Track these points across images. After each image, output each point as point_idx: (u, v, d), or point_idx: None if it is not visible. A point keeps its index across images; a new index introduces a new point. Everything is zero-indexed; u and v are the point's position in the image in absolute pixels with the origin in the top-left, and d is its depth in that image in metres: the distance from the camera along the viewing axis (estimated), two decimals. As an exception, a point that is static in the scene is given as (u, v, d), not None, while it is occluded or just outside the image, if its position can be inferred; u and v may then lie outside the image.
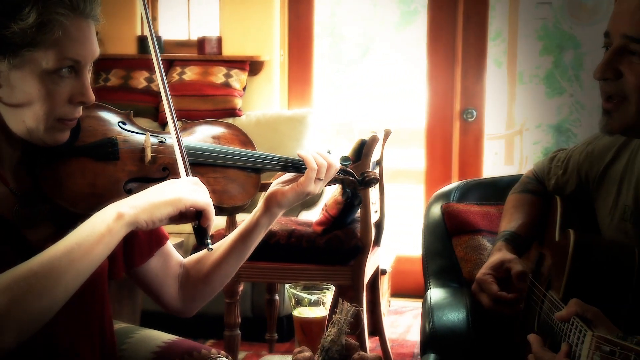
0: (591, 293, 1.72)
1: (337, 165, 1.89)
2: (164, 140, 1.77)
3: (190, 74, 5.26)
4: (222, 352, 1.97)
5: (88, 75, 1.62)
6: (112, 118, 1.77)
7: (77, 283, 1.47)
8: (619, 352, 1.36)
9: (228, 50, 5.42)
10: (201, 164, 1.78)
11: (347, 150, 3.49)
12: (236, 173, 1.83)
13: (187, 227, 3.94)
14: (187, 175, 1.67)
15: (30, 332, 1.41)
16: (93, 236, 1.48)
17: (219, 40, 5.44)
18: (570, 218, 2.06)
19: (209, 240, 1.65)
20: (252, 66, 5.35)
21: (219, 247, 1.94)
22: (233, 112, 5.17)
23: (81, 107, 1.62)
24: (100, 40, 4.64)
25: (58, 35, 1.51)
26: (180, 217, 1.60)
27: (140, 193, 1.58)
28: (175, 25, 5.65)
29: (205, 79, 5.21)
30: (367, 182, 1.98)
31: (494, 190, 2.63)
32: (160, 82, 1.76)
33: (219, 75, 5.23)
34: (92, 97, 1.61)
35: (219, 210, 1.76)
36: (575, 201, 2.12)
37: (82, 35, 1.57)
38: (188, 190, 1.60)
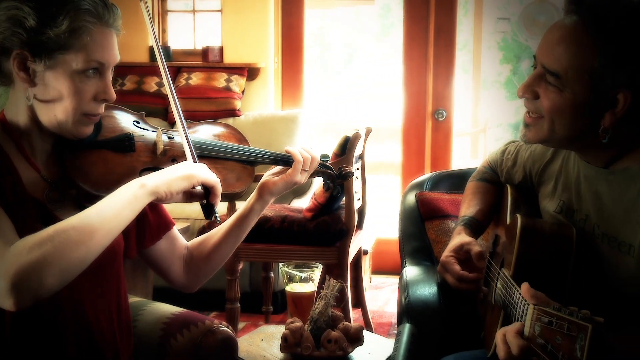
0: (536, 270, 1.74)
1: (318, 158, 1.95)
2: (172, 136, 1.82)
3: (196, 79, 5.23)
4: (224, 322, 1.98)
5: (110, 77, 1.67)
6: (128, 118, 1.82)
7: (108, 240, 1.51)
8: (555, 321, 1.37)
9: (229, 58, 5.40)
10: (205, 156, 1.82)
11: (334, 145, 3.49)
12: (234, 165, 1.88)
13: (193, 214, 3.93)
14: (195, 161, 1.74)
15: (69, 278, 1.44)
16: (121, 201, 1.54)
17: (221, 49, 5.42)
18: (519, 204, 2.06)
19: (217, 214, 1.72)
20: (250, 72, 5.33)
21: (219, 230, 1.98)
22: (233, 113, 5.15)
23: (103, 105, 1.67)
24: (117, 49, 4.49)
25: (86, 41, 1.57)
26: (191, 196, 1.68)
27: (159, 171, 1.64)
28: (182, 36, 5.63)
29: (209, 83, 5.19)
30: (344, 175, 2.05)
31: (461, 181, 2.62)
32: (167, 86, 1.83)
33: (220, 80, 5.20)
34: (114, 95, 1.66)
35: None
36: (522, 189, 2.12)
37: (106, 42, 1.62)
38: (200, 169, 1.68)
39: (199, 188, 1.68)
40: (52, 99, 1.60)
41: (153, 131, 1.81)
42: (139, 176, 1.66)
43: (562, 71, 1.65)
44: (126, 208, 1.54)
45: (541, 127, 1.74)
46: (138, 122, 1.82)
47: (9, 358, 1.62)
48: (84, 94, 1.61)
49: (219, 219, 1.76)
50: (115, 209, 1.52)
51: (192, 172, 1.65)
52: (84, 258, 1.46)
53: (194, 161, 1.73)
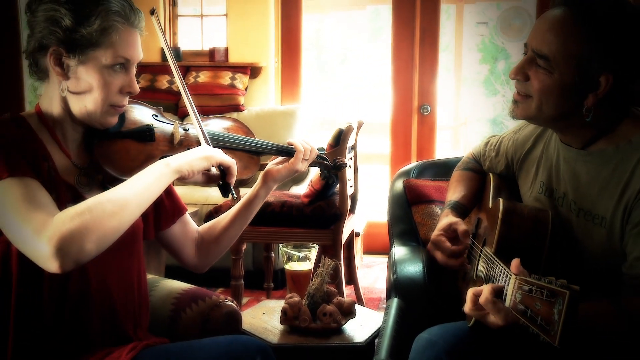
0: (516, 247, 1.75)
1: (316, 151, 1.99)
2: (187, 128, 1.85)
3: (203, 77, 5.22)
4: (229, 297, 1.99)
5: (134, 72, 1.69)
6: (148, 111, 1.85)
7: (138, 211, 1.55)
8: (535, 289, 1.39)
9: (233, 58, 5.38)
10: (216, 146, 1.83)
11: (329, 137, 3.49)
12: (242, 155, 1.91)
13: (201, 199, 3.90)
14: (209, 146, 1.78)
15: (105, 245, 1.47)
16: (149, 178, 1.58)
17: (226, 50, 5.40)
18: (500, 190, 2.08)
19: (233, 192, 1.76)
20: (253, 71, 5.32)
21: (227, 215, 2.00)
22: (237, 108, 5.14)
23: (128, 97, 1.69)
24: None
25: (115, 39, 1.60)
26: (209, 177, 1.74)
27: (181, 153, 1.68)
28: (191, 38, 5.62)
29: (215, 81, 5.18)
30: (338, 166, 2.07)
31: (445, 169, 2.63)
32: (180, 86, 1.87)
33: (226, 78, 5.19)
34: (137, 88, 1.69)
35: None
36: (504, 178, 2.14)
37: (131, 40, 1.65)
38: (217, 151, 1.73)
39: (214, 170, 1.72)
40: (83, 91, 1.62)
41: (170, 124, 1.84)
42: None
43: (552, 55, 1.68)
44: (153, 184, 1.57)
45: (529, 105, 1.77)
46: (157, 116, 1.85)
47: (44, 326, 1.63)
48: (112, 87, 1.63)
49: (235, 196, 1.79)
50: (144, 185, 1.55)
51: (211, 153, 1.70)
52: (118, 227, 1.48)
53: (208, 145, 1.77)
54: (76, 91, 1.63)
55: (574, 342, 1.36)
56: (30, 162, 1.55)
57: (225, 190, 1.75)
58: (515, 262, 1.54)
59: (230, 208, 2.02)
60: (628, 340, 1.58)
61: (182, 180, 1.66)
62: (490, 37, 6.26)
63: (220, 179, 1.74)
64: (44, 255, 1.39)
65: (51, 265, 1.40)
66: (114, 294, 1.73)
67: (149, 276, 2.10)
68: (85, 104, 1.63)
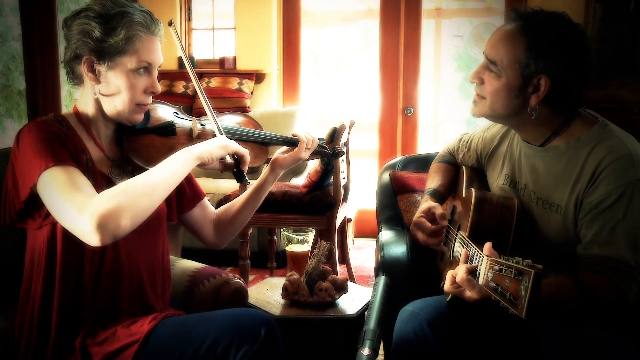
0: (487, 231, 1.78)
1: (317, 141, 1.99)
2: (204, 124, 1.86)
3: (214, 82, 5.20)
4: (237, 275, 1.99)
5: (156, 75, 1.70)
6: (169, 110, 1.87)
7: (166, 192, 1.56)
8: (504, 269, 1.41)
9: (241, 66, 5.37)
10: (230, 138, 1.82)
11: (324, 134, 3.48)
12: (252, 146, 1.90)
13: (212, 189, 3.88)
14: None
15: (138, 221, 1.48)
16: (175, 164, 1.59)
17: (234, 59, 5.38)
18: (472, 181, 2.09)
19: (247, 178, 1.77)
20: (257, 77, 5.30)
21: (239, 199, 2.00)
22: (244, 109, 5.12)
23: (151, 96, 1.70)
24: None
25: (138, 46, 1.62)
26: (225, 165, 1.73)
27: (201, 142, 1.69)
28: (204, 48, 5.60)
29: (225, 86, 5.16)
30: (337, 153, 2.08)
31: (426, 163, 2.62)
32: (197, 87, 1.89)
33: (234, 83, 5.17)
34: (159, 88, 1.71)
35: None
36: (475, 170, 2.15)
37: (153, 46, 1.66)
38: (232, 142, 1.74)
39: (229, 159, 1.73)
40: (113, 93, 1.65)
41: (189, 120, 1.85)
42: None
43: (500, 61, 1.73)
44: (178, 169, 1.58)
45: (484, 105, 1.81)
46: (177, 113, 1.86)
47: (82, 298, 1.65)
48: (137, 88, 1.65)
49: (249, 182, 1.82)
50: (170, 170, 1.57)
51: (227, 143, 1.71)
52: (149, 205, 1.50)
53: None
54: (107, 93, 1.65)
55: (538, 314, 1.37)
56: (72, 154, 1.57)
57: (239, 177, 1.76)
58: (487, 246, 1.55)
59: (237, 196, 2.02)
60: (581, 308, 1.60)
61: (202, 166, 1.67)
62: (464, 48, 6.26)
63: (234, 166, 1.74)
64: (86, 231, 1.41)
65: (92, 239, 1.42)
66: (142, 270, 1.73)
67: (168, 256, 2.10)
68: (115, 104, 1.65)
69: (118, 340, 1.59)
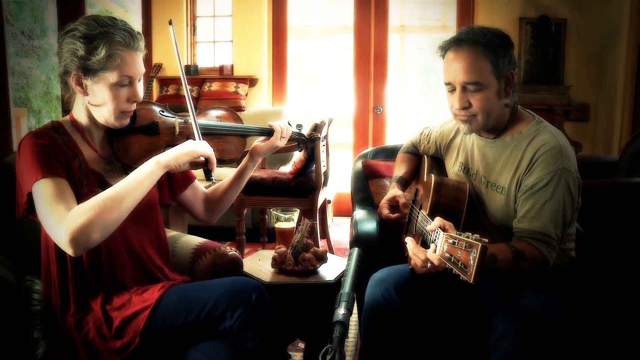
0: (444, 210, 1.78)
1: (291, 129, 1.92)
2: (186, 120, 1.77)
3: (215, 86, 5.15)
4: (234, 249, 1.96)
5: (137, 85, 1.61)
6: (155, 108, 1.77)
7: (134, 203, 1.49)
8: (457, 242, 1.42)
9: (237, 72, 5.32)
10: (210, 133, 1.77)
11: (307, 129, 3.45)
12: (231, 138, 1.83)
13: (198, 175, 3.79)
14: (200, 139, 1.69)
15: (108, 233, 1.44)
16: (142, 175, 1.52)
17: (232, 66, 5.33)
18: (432, 168, 2.08)
19: (213, 176, 1.67)
20: (251, 81, 5.26)
21: (225, 182, 1.94)
22: (239, 109, 5.08)
23: (135, 104, 1.62)
24: (163, 68, 4.50)
25: (118, 62, 1.53)
26: (195, 164, 1.63)
27: (170, 149, 1.60)
28: (206, 58, 5.54)
29: (223, 89, 5.11)
30: (312, 139, 2.01)
31: (393, 153, 2.61)
32: (185, 88, 1.88)
33: (231, 87, 5.13)
34: (140, 98, 1.63)
35: (221, 162, 1.78)
36: (434, 159, 2.15)
37: (133, 61, 1.57)
38: (199, 145, 1.64)
39: (201, 158, 1.63)
40: (99, 104, 1.58)
41: (172, 117, 1.76)
42: (163, 151, 1.64)
43: (479, 78, 1.72)
44: (146, 180, 1.51)
45: (477, 122, 1.78)
46: (163, 111, 1.77)
47: (89, 275, 1.63)
48: (120, 99, 1.58)
49: (214, 180, 1.72)
50: (138, 181, 1.50)
51: (193, 148, 1.61)
52: (118, 218, 1.45)
53: (200, 139, 1.69)
54: (94, 104, 1.59)
55: (483, 279, 1.38)
56: (62, 164, 1.52)
57: (207, 175, 1.67)
58: (438, 219, 1.58)
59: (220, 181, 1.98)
60: (513, 265, 1.64)
61: (172, 172, 1.60)
62: (424, 58, 6.29)
63: (204, 164, 1.64)
64: (62, 243, 1.40)
65: (67, 250, 1.40)
66: (138, 249, 1.69)
67: (175, 233, 2.07)
68: (102, 113, 1.59)
69: (133, 305, 1.58)
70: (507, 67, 1.73)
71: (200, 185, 1.97)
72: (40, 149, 1.50)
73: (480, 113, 1.75)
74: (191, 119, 1.72)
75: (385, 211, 1.99)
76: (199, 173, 1.81)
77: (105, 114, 1.59)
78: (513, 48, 1.77)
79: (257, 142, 1.90)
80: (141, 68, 1.60)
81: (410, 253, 1.63)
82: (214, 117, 1.88)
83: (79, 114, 1.64)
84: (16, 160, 1.55)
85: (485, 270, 1.43)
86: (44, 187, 1.45)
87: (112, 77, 1.54)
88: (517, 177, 1.74)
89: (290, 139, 1.93)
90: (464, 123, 1.80)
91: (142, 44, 1.60)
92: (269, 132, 1.88)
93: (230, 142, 1.81)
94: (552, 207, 1.66)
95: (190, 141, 1.65)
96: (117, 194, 1.46)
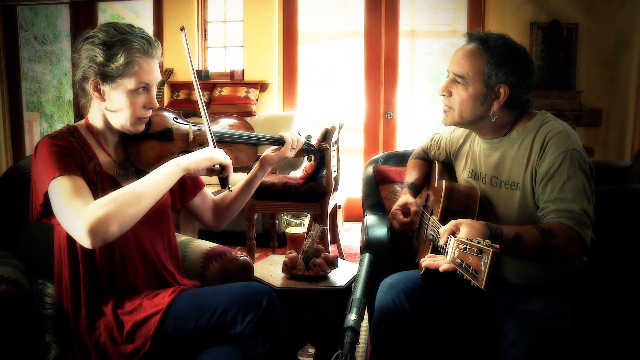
0: (454, 216, 1.75)
1: (303, 140, 1.93)
2: (200, 128, 1.78)
3: (226, 91, 5.17)
4: (244, 253, 1.96)
5: (154, 92, 1.63)
6: (169, 115, 1.78)
7: (152, 201, 1.50)
8: (468, 248, 1.41)
9: (248, 77, 5.34)
10: (222, 141, 1.78)
11: (318, 134, 3.46)
12: (243, 146, 1.84)
13: (208, 181, 3.80)
14: (214, 147, 1.69)
15: (126, 227, 1.44)
16: (162, 175, 1.53)
17: (243, 71, 5.35)
18: (443, 173, 2.08)
19: (229, 185, 1.70)
20: (262, 86, 5.28)
21: (234, 190, 1.94)
22: (250, 114, 5.10)
23: (150, 110, 1.64)
24: (174, 73, 4.56)
25: (136, 69, 1.55)
26: (212, 171, 1.64)
27: (190, 153, 1.61)
28: (217, 63, 5.58)
29: (234, 94, 5.13)
30: (321, 150, 2.02)
31: (403, 158, 2.60)
32: (198, 94, 1.81)
33: (242, 92, 5.15)
34: (156, 104, 1.64)
35: (233, 169, 1.76)
36: (445, 164, 2.14)
37: (150, 68, 1.59)
38: (218, 153, 1.65)
39: (217, 166, 1.64)
40: (116, 110, 1.60)
41: (186, 125, 1.77)
42: (177, 157, 1.64)
43: (466, 74, 1.73)
44: (165, 180, 1.53)
45: (453, 114, 1.81)
46: (177, 118, 1.78)
47: (102, 279, 1.64)
48: (137, 105, 1.59)
49: (230, 189, 1.75)
50: (157, 180, 1.51)
51: (212, 154, 1.62)
52: (136, 213, 1.45)
53: (214, 146, 1.69)
54: (111, 109, 1.60)
55: (495, 285, 1.37)
56: (78, 164, 1.53)
57: (223, 183, 1.69)
58: (459, 221, 1.56)
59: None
60: (542, 245, 1.58)
61: (190, 175, 1.61)
62: (434, 63, 6.26)
63: (220, 172, 1.66)
64: (80, 235, 1.39)
65: (85, 242, 1.39)
66: (150, 253, 1.70)
67: (186, 237, 2.08)
68: (118, 119, 1.61)
69: (144, 310, 1.58)
70: (502, 81, 1.71)
71: (208, 192, 1.99)
72: (57, 149, 1.52)
73: (455, 107, 1.77)
74: (205, 127, 1.73)
75: (400, 217, 1.98)
76: (214, 180, 1.82)
77: (121, 120, 1.61)
78: (526, 70, 1.72)
79: (268, 151, 1.91)
80: (158, 75, 1.62)
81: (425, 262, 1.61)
82: (226, 125, 1.89)
83: (95, 118, 1.65)
84: (32, 162, 1.56)
85: (510, 252, 1.42)
86: (61, 184, 1.46)
87: (129, 83, 1.56)
88: (530, 168, 1.74)
89: (300, 150, 1.94)
90: (443, 113, 1.84)
91: (159, 51, 1.62)
92: (280, 142, 1.89)
93: (242, 150, 1.82)
94: (571, 186, 1.65)
95: (209, 148, 1.66)
96: (137, 190, 1.47)
